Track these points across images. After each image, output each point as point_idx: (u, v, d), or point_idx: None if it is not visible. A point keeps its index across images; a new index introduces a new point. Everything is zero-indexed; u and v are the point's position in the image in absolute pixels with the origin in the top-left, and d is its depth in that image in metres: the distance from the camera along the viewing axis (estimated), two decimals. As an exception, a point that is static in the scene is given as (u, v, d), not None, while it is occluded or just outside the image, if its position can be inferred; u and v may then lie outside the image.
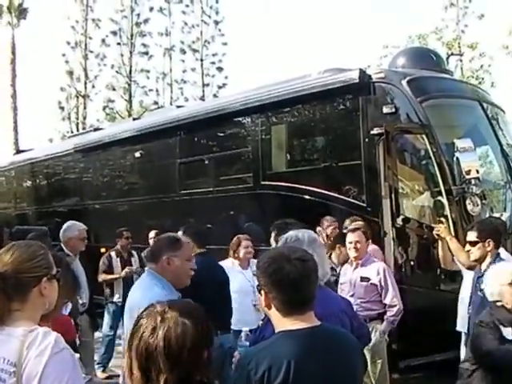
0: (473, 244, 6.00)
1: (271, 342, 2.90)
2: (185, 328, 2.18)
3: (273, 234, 6.13)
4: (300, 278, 2.86)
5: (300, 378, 2.72)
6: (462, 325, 6.54)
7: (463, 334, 6.25)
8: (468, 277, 6.63)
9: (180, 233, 6.56)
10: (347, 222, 8.09)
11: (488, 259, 5.87)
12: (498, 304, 4.86)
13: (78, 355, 3.14)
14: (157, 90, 34.63)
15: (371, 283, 7.12)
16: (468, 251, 6.24)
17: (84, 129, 29.15)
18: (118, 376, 6.20)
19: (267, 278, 2.93)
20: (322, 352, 2.82)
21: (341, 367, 2.89)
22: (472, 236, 6.06)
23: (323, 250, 3.91)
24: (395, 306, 7.07)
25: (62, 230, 8.08)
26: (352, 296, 7.08)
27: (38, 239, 6.77)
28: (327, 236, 8.21)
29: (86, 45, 34.06)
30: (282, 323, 2.90)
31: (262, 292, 2.96)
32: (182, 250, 4.60)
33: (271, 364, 2.72)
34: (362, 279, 7.15)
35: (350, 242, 7.27)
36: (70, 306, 5.61)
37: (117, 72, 33.73)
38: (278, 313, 2.91)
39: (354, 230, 7.35)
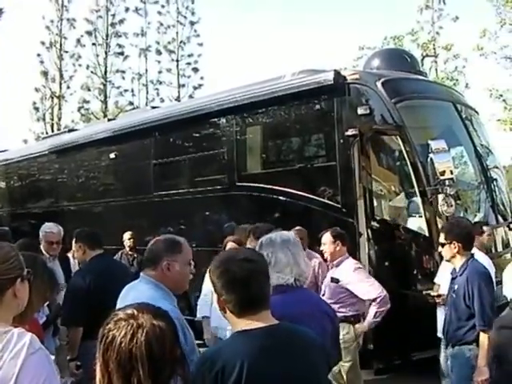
0: (442, 245, 6.02)
1: (227, 342, 2.97)
2: (162, 330, 2.17)
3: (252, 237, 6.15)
4: (247, 277, 2.91)
5: (254, 378, 2.73)
6: (440, 329, 6.54)
7: (442, 338, 6.27)
8: (446, 280, 6.65)
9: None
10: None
11: (460, 261, 5.88)
12: None
13: (53, 357, 3.10)
14: (132, 91, 34.48)
15: (340, 285, 7.06)
16: (440, 252, 6.27)
17: (59, 130, 28.94)
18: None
19: (217, 281, 2.97)
20: (279, 351, 2.84)
21: (299, 367, 2.90)
22: (441, 237, 6.08)
23: (298, 249, 3.89)
24: (376, 298, 6.91)
25: None
26: (323, 296, 7.08)
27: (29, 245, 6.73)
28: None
29: (60, 45, 33.73)
30: (237, 324, 2.92)
31: (217, 295, 3.00)
32: (182, 254, 4.13)
33: (225, 364, 2.73)
34: (332, 280, 7.12)
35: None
36: (46, 310, 5.58)
37: (92, 72, 33.57)
38: (232, 315, 2.94)
39: (323, 233, 7.35)
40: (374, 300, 6.93)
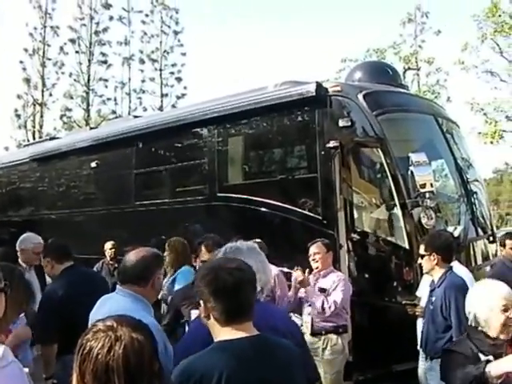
0: (422, 257, 6.07)
1: (206, 351, 2.90)
2: (140, 343, 2.14)
3: (204, 247, 6.14)
4: (236, 286, 2.90)
5: None
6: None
7: (420, 351, 6.28)
8: (426, 292, 6.66)
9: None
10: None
11: (438, 273, 5.91)
12: (479, 329, 4.05)
13: (27, 369, 3.07)
14: (115, 100, 34.42)
15: (327, 294, 7.10)
16: (420, 264, 6.30)
17: (40, 137, 28.78)
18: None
19: (205, 287, 2.96)
20: (258, 362, 2.83)
21: (279, 379, 2.89)
22: (421, 249, 6.13)
23: (264, 257, 3.86)
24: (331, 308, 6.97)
25: (18, 241, 7.87)
26: (310, 306, 7.09)
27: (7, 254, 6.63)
28: None
29: (43, 52, 33.65)
30: (220, 333, 2.91)
31: (202, 302, 2.98)
32: (162, 266, 4.25)
33: (203, 374, 2.73)
34: (320, 290, 7.14)
35: (310, 255, 7.31)
36: (24, 320, 5.50)
37: (75, 80, 33.47)
38: (217, 323, 2.93)
39: (313, 243, 7.39)
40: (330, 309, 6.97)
